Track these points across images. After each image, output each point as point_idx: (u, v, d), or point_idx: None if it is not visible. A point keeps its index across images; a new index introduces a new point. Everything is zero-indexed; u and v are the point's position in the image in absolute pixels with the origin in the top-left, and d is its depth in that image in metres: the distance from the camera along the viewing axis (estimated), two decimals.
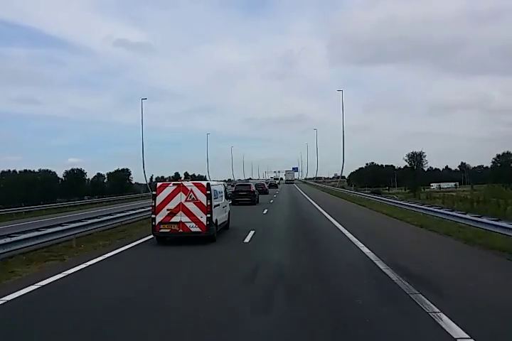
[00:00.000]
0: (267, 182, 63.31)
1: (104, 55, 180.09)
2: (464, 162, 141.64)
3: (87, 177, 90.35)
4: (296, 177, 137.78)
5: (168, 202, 12.33)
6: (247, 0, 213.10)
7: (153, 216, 12.49)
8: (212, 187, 12.85)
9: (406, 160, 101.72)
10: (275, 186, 70.62)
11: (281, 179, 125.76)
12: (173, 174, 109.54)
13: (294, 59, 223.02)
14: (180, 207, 12.29)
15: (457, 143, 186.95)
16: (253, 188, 32.09)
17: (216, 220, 13.12)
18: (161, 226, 12.34)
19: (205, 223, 12.27)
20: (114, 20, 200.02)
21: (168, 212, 12.31)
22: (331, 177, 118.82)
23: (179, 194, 12.35)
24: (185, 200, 12.32)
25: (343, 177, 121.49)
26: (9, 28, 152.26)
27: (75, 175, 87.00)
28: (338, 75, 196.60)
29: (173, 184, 12.64)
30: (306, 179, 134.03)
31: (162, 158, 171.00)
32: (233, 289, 7.25)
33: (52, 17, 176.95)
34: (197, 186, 12.53)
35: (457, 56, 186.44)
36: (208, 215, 12.33)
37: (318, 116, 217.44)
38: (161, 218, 12.32)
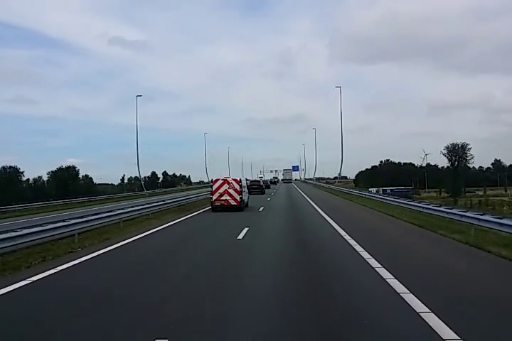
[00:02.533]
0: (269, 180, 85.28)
1: (103, 55, 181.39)
2: (498, 159, 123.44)
3: (25, 178, 74.60)
4: (296, 176, 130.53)
5: (219, 188, 23.20)
6: (246, 0, 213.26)
7: (211, 196, 23.49)
8: (242, 181, 23.72)
9: (445, 155, 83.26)
10: (274, 183, 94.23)
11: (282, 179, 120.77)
12: (149, 174, 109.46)
13: (293, 58, 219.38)
14: (226, 192, 23.14)
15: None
16: (262, 183, 49.56)
17: (243, 199, 23.91)
18: (215, 202, 23.26)
19: (239, 200, 23.09)
20: (113, 21, 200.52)
21: (219, 194, 23.20)
22: (332, 177, 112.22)
23: (225, 184, 23.22)
24: (228, 188, 23.14)
25: (345, 177, 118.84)
26: (6, 29, 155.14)
27: (7, 175, 69.07)
28: (337, 74, 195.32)
29: (222, 179, 23.53)
30: (306, 179, 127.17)
31: (156, 157, 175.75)
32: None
33: (50, 18, 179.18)
34: (234, 180, 23.41)
35: (459, 54, 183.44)
36: (240, 196, 23.17)
37: (318, 116, 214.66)
38: (215, 197, 23.21)
